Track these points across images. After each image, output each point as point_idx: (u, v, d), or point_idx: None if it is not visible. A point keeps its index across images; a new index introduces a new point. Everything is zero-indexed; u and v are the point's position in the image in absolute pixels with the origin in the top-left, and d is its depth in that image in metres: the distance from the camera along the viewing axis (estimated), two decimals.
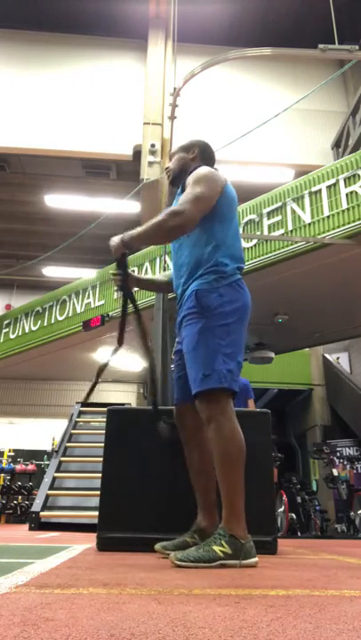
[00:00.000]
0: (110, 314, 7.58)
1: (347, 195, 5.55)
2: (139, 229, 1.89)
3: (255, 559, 1.65)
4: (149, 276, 2.43)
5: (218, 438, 1.73)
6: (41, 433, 11.96)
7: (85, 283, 8.47)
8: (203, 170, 1.98)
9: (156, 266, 7.06)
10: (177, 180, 2.15)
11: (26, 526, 5.81)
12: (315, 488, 9.64)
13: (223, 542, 1.62)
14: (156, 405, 2.22)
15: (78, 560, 1.85)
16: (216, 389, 1.74)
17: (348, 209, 5.49)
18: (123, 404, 6.53)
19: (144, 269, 7.34)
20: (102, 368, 2.21)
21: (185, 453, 2.01)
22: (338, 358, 11.75)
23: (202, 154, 2.16)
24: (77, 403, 7.70)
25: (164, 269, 6.10)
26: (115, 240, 1.92)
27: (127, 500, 2.39)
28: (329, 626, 0.74)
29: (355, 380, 10.62)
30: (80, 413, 7.29)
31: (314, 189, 5.85)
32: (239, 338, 1.84)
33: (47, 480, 5.45)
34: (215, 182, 1.94)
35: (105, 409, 2.64)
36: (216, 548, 1.61)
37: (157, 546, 1.97)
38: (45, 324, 8.72)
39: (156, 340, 5.01)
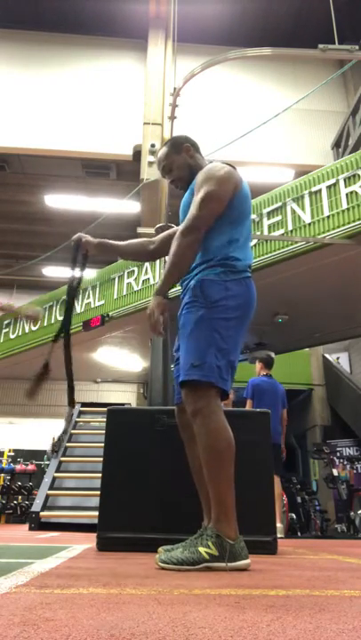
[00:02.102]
0: (110, 314, 7.58)
1: (347, 195, 5.55)
2: (164, 273, 1.82)
3: (246, 561, 1.56)
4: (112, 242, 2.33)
5: (204, 434, 1.67)
6: (41, 433, 11.95)
7: (85, 283, 8.47)
8: (214, 167, 1.90)
9: (156, 266, 7.06)
10: (188, 184, 2.05)
11: (26, 526, 5.80)
12: (315, 488, 9.64)
13: (210, 543, 1.55)
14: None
15: (78, 560, 1.85)
16: (202, 382, 1.69)
17: (348, 209, 5.49)
18: (123, 404, 6.55)
19: (143, 269, 7.34)
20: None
21: (187, 453, 1.98)
22: (338, 358, 11.75)
23: (193, 146, 2.08)
24: (77, 402, 7.71)
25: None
26: (152, 307, 1.80)
27: (127, 500, 2.39)
28: (329, 626, 0.74)
29: (355, 380, 10.62)
30: (80, 413, 7.29)
31: (314, 189, 5.85)
32: (237, 336, 1.79)
33: (47, 480, 5.46)
34: (228, 179, 1.86)
35: (105, 409, 2.64)
36: (202, 550, 1.55)
37: (161, 549, 1.96)
38: (45, 324, 8.73)
39: (156, 340, 5.01)
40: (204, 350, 1.71)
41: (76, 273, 2.17)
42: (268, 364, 5.38)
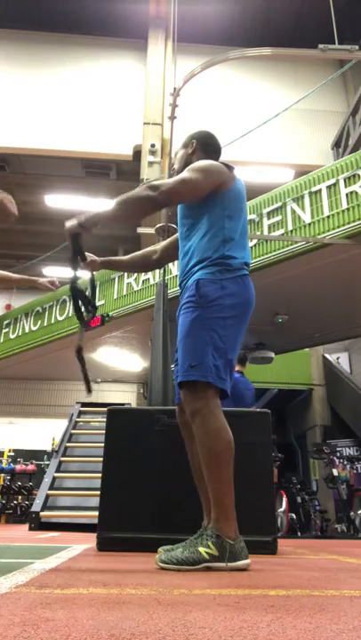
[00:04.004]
0: (110, 314, 7.58)
1: (347, 195, 5.54)
2: (101, 210, 1.73)
3: (245, 561, 1.56)
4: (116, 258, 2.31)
5: (203, 434, 1.67)
6: (41, 433, 11.96)
7: (85, 283, 8.45)
8: (201, 161, 1.92)
9: None
10: None
11: (26, 526, 5.80)
12: (315, 488, 9.64)
13: (210, 543, 1.55)
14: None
15: (78, 560, 1.85)
16: (200, 382, 1.69)
17: (348, 209, 5.49)
18: (123, 404, 6.54)
19: None
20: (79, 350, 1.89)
21: (187, 452, 1.97)
22: (338, 358, 11.75)
23: (202, 146, 2.06)
24: (77, 403, 7.70)
25: (164, 270, 6.09)
26: (69, 222, 1.74)
27: (127, 500, 2.39)
28: (329, 626, 0.74)
29: (355, 380, 10.62)
30: (80, 413, 7.29)
31: (314, 189, 5.85)
32: (234, 335, 1.78)
33: (47, 480, 5.45)
34: (211, 172, 1.86)
35: (105, 409, 2.64)
36: (202, 550, 1.55)
37: (161, 549, 1.96)
38: (45, 324, 8.72)
39: (156, 340, 5.00)
40: (202, 350, 1.70)
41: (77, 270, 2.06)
42: (240, 361, 5.27)
